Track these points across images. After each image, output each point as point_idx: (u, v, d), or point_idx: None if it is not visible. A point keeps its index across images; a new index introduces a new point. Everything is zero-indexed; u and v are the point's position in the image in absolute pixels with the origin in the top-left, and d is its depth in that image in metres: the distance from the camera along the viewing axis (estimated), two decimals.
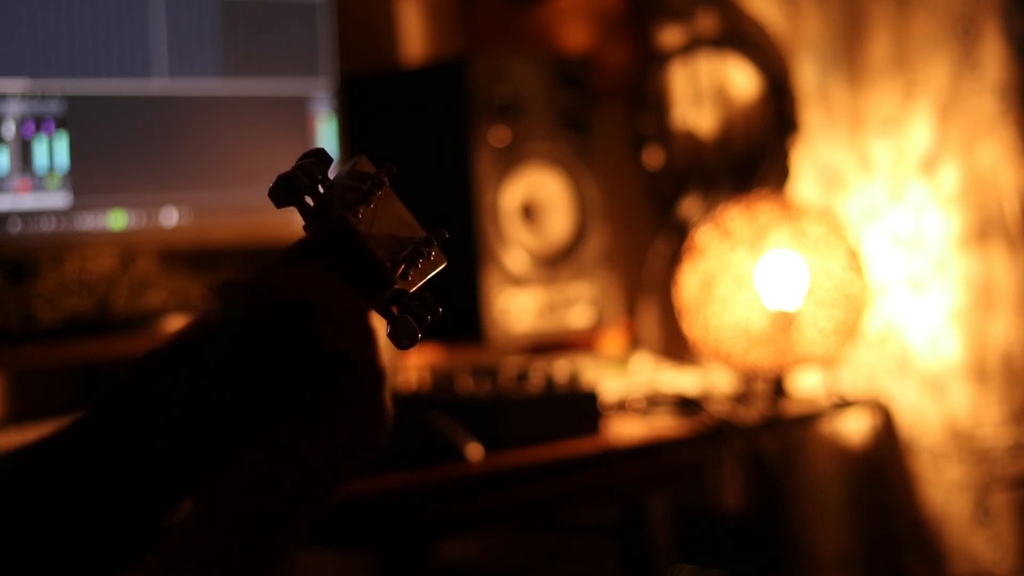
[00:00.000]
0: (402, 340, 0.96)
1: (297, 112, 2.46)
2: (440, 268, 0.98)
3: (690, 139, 3.05)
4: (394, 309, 0.96)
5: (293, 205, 0.93)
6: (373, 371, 0.90)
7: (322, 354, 0.89)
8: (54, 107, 2.21)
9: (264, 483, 0.87)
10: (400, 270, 0.95)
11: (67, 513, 0.88)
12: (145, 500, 0.90)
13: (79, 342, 2.15)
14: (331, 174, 0.95)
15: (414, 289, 0.96)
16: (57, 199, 2.21)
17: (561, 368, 2.51)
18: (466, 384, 2.36)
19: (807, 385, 2.79)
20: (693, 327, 2.72)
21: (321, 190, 0.94)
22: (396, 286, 0.94)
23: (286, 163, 0.94)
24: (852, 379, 2.81)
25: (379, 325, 0.94)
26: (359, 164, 0.96)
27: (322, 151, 0.95)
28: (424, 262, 0.96)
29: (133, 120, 2.29)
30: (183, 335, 0.93)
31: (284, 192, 0.93)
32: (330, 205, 0.93)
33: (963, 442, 2.72)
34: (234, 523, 0.85)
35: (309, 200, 0.94)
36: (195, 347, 0.92)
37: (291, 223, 0.94)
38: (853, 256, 2.69)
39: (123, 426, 0.89)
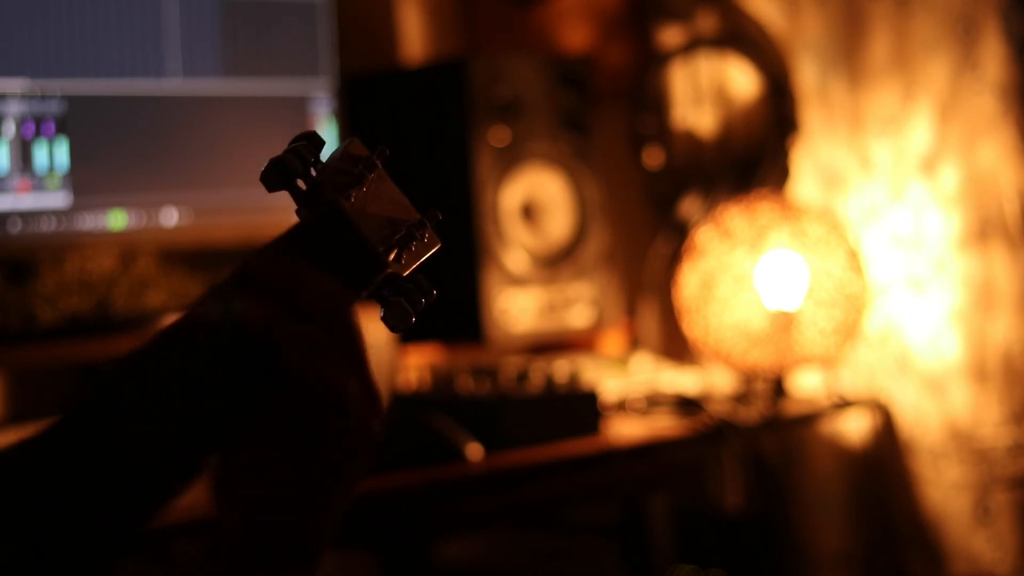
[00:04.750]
0: (395, 323, 0.95)
1: (297, 112, 2.47)
2: (434, 250, 0.97)
3: (690, 139, 3.05)
4: (387, 292, 0.95)
5: (285, 189, 0.93)
6: (339, 398, 0.87)
7: (288, 379, 0.87)
8: (54, 107, 2.21)
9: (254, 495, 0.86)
10: (393, 254, 0.94)
11: (59, 509, 0.88)
12: (138, 494, 0.90)
13: (79, 342, 2.15)
14: (324, 157, 0.95)
15: (408, 272, 0.96)
16: (57, 199, 2.21)
17: (561, 368, 2.51)
18: (466, 384, 2.36)
19: (807, 385, 2.79)
20: (693, 327, 2.72)
21: (313, 173, 0.93)
22: (389, 270, 0.94)
23: None
24: (852, 379, 2.81)
25: (370, 320, 0.93)
26: (351, 146, 0.96)
27: (314, 134, 0.94)
28: (418, 244, 0.95)
29: (133, 120, 2.29)
30: (160, 337, 0.91)
31: (275, 176, 0.92)
32: (322, 189, 0.93)
33: (963, 442, 2.72)
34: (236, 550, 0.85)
35: (301, 184, 0.93)
36: (168, 351, 0.90)
37: (291, 222, 0.94)
38: (853, 256, 2.69)
39: (116, 419, 0.89)
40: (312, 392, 0.87)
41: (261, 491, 0.86)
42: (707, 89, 3.03)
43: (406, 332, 2.58)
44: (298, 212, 0.94)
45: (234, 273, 0.91)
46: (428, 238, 0.96)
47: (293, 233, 0.92)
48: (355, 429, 0.88)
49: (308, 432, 0.87)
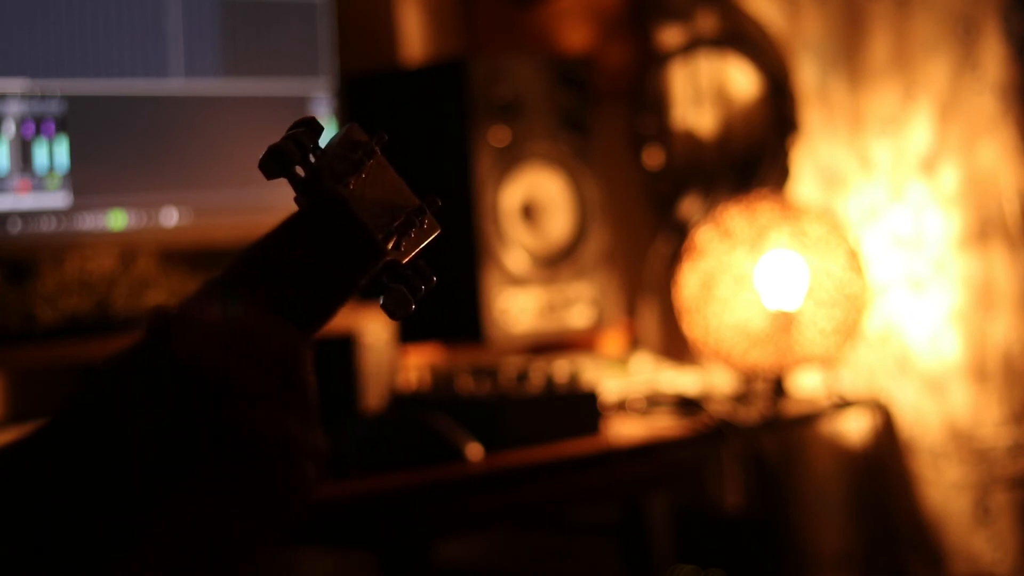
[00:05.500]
0: (395, 310, 0.93)
1: (297, 112, 2.46)
2: (434, 236, 0.96)
3: (690, 139, 3.05)
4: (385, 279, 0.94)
5: (283, 176, 0.92)
6: (280, 451, 0.86)
7: (226, 430, 0.86)
8: (54, 107, 2.21)
9: (175, 549, 0.85)
10: (392, 241, 0.93)
11: (55, 508, 0.88)
12: (134, 493, 0.89)
13: (79, 342, 2.15)
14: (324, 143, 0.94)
15: (407, 259, 0.94)
16: (57, 199, 2.21)
17: (561, 368, 2.50)
18: (466, 384, 2.36)
19: (807, 385, 2.79)
20: (693, 327, 2.72)
21: (312, 159, 0.92)
22: (388, 257, 0.93)
23: None
24: (852, 379, 2.81)
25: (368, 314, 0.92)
26: (350, 132, 0.95)
27: (313, 120, 0.93)
28: (417, 231, 0.94)
29: (133, 120, 2.29)
30: (160, 331, 0.90)
31: (273, 163, 0.91)
32: (320, 176, 0.92)
33: (963, 442, 2.71)
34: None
35: (300, 171, 0.92)
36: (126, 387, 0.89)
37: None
38: (853, 256, 2.69)
39: (112, 417, 0.88)
40: (256, 442, 0.86)
41: (190, 548, 0.85)
42: (707, 89, 3.03)
43: (406, 329, 2.58)
44: (297, 200, 0.93)
45: (230, 271, 0.90)
46: (428, 224, 0.95)
47: (291, 221, 0.92)
48: (295, 484, 0.87)
49: (246, 487, 0.86)
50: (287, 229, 0.91)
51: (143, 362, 0.89)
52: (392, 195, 0.94)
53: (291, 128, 0.93)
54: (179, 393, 0.87)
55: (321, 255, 0.91)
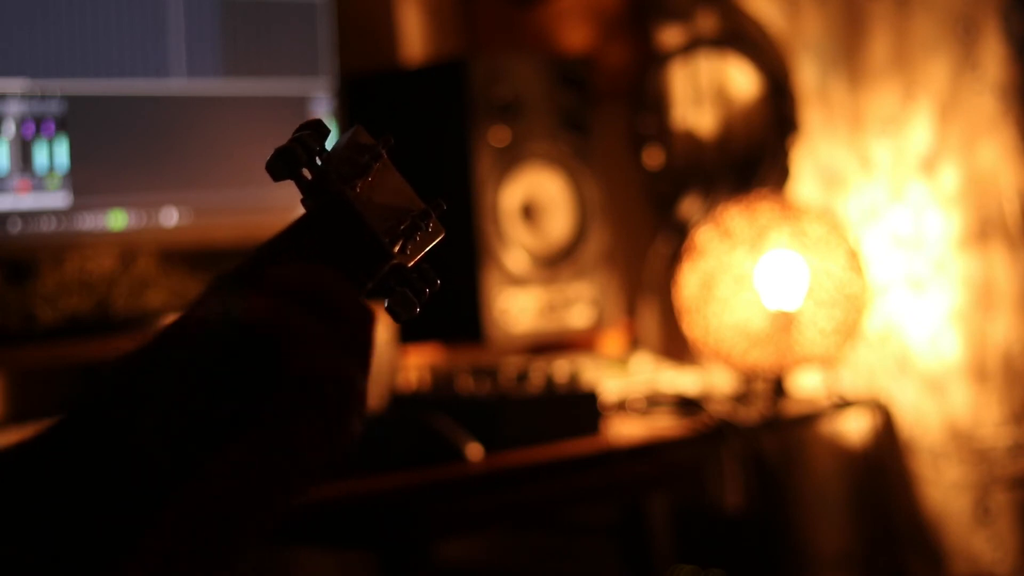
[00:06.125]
0: (400, 313, 0.94)
1: (297, 112, 2.47)
2: (439, 239, 0.96)
3: (690, 139, 3.05)
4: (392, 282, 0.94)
5: (290, 178, 0.92)
6: (336, 391, 0.87)
7: (288, 376, 0.87)
8: (54, 107, 2.21)
9: (226, 489, 0.86)
10: (399, 244, 0.93)
11: (61, 509, 0.88)
12: (140, 493, 0.89)
13: (79, 342, 2.15)
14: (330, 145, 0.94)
15: (413, 262, 0.95)
16: (57, 199, 2.21)
17: (561, 368, 2.51)
18: (466, 384, 2.36)
19: (807, 385, 2.79)
20: (693, 327, 2.72)
21: (319, 162, 0.93)
22: (394, 260, 0.93)
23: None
24: (852, 379, 2.81)
25: (378, 311, 0.92)
26: (357, 135, 0.95)
27: (319, 122, 0.93)
28: (423, 235, 0.94)
29: (133, 120, 2.29)
30: (165, 336, 0.91)
31: (281, 165, 0.92)
32: (327, 178, 0.92)
33: (963, 442, 2.72)
34: (197, 525, 0.85)
35: (307, 173, 0.93)
36: (174, 351, 0.90)
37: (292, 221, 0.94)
38: (853, 256, 2.69)
39: (115, 422, 0.89)
40: (317, 386, 0.86)
41: (235, 493, 0.86)
42: (707, 89, 3.03)
43: (406, 329, 2.58)
44: (303, 202, 0.94)
45: (238, 269, 0.90)
46: (432, 227, 0.95)
47: (299, 224, 0.92)
48: (346, 426, 0.88)
49: (298, 426, 0.86)
50: (293, 232, 0.92)
51: (148, 361, 0.89)
52: (398, 198, 0.94)
53: (297, 130, 0.93)
54: (238, 340, 0.88)
55: (327, 258, 0.91)
